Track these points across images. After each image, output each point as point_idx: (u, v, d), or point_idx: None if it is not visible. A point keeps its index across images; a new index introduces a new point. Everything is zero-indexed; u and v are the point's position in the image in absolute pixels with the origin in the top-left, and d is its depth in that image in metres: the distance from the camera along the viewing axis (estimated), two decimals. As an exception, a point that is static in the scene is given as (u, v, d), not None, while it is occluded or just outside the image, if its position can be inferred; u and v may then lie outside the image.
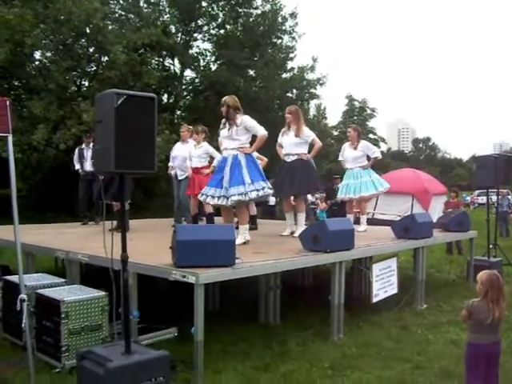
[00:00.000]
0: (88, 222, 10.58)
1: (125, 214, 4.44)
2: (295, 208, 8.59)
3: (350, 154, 9.47)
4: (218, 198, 7.03)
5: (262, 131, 7.09)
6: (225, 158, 7.20)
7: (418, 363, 5.44)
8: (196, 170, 9.32)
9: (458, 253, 13.30)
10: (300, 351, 5.83)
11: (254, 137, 7.22)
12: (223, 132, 7.23)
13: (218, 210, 8.82)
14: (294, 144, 8.16)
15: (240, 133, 7.06)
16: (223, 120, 7.32)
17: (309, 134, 8.23)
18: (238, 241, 6.47)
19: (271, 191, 7.26)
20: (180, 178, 9.91)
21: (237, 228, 7.11)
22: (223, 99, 7.25)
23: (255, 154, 7.59)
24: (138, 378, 3.82)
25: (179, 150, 10.02)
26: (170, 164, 10.18)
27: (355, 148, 9.40)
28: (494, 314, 3.99)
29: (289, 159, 8.22)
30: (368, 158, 9.50)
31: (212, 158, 9.29)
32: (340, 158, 9.76)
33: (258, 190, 6.94)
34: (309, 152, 8.38)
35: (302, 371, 5.19)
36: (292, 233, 8.31)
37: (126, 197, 8.72)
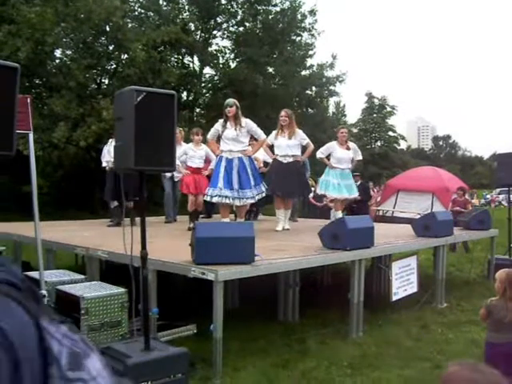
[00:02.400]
0: (117, 223, 9.51)
1: (143, 211, 4.43)
2: (284, 205, 8.69)
3: (344, 155, 9.29)
4: (233, 198, 7.42)
5: (263, 135, 7.60)
6: (229, 159, 7.40)
7: (438, 362, 5.38)
8: (198, 170, 9.39)
9: (466, 251, 13.08)
10: (319, 349, 5.80)
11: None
12: (228, 133, 7.42)
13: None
14: (291, 146, 8.25)
15: (243, 135, 7.42)
16: (221, 121, 7.55)
17: (304, 137, 8.40)
18: None
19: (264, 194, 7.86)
20: (176, 179, 10.27)
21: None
22: (232, 100, 7.49)
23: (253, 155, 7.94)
24: (157, 375, 3.83)
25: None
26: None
27: (348, 148, 9.36)
28: None
29: (285, 160, 8.28)
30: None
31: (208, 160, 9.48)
32: (322, 155, 9.37)
33: (259, 194, 7.65)
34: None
35: (321, 369, 5.17)
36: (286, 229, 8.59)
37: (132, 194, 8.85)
